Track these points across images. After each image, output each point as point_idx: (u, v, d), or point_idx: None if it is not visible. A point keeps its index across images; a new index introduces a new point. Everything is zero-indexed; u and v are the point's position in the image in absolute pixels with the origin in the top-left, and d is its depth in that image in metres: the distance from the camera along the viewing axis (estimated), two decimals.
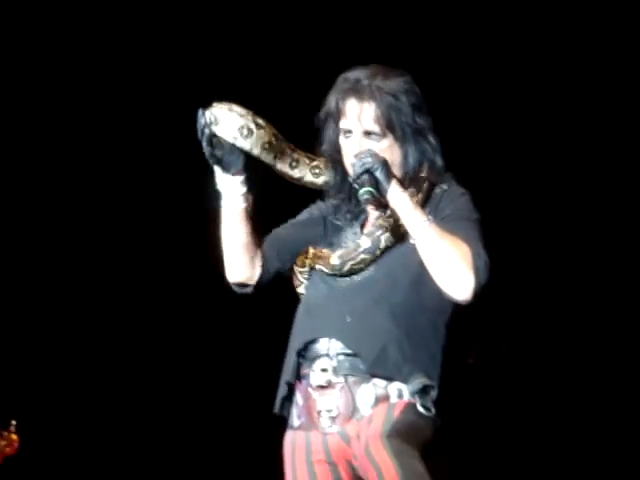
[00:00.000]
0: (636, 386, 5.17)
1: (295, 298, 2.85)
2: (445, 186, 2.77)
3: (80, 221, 5.20)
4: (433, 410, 2.64)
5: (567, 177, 5.17)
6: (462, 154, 3.91)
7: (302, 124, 2.83)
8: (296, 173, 2.84)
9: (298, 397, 2.73)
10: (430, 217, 2.66)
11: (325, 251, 2.78)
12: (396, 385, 2.65)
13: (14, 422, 4.12)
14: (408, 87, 2.75)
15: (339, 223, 2.83)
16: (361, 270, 2.73)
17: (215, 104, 2.74)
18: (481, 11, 4.94)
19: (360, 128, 2.73)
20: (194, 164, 2.84)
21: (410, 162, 2.74)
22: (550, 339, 5.33)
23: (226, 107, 2.73)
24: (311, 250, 2.80)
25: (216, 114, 2.70)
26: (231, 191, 2.75)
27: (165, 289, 5.25)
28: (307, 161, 2.84)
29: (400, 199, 2.67)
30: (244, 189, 2.76)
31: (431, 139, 2.76)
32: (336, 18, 4.93)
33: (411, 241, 2.68)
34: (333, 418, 2.66)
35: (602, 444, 5.18)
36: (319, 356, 2.68)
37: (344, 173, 2.80)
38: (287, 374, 2.75)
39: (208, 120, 2.69)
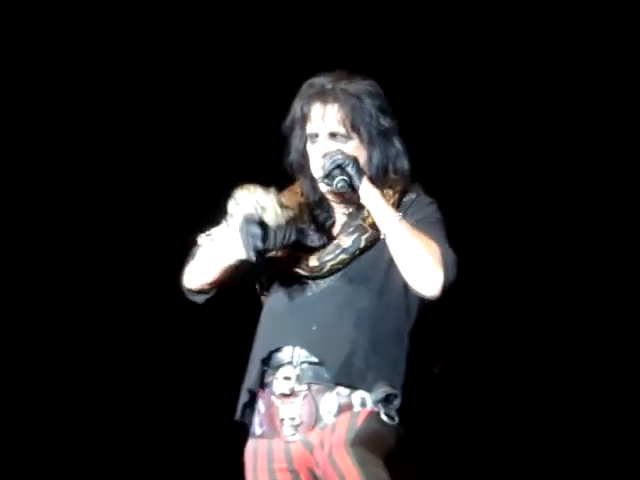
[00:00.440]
0: (606, 392, 5.19)
1: (256, 305, 2.84)
2: (414, 195, 2.78)
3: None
4: (397, 419, 2.63)
5: (533, 191, 5.18)
6: (431, 159, 3.95)
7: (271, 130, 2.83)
8: None
9: (260, 405, 2.72)
10: (401, 214, 2.67)
11: (299, 253, 2.75)
12: (359, 394, 2.64)
13: None
14: (372, 90, 2.77)
15: (303, 227, 2.81)
16: (336, 271, 2.72)
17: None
18: (455, 14, 4.94)
19: (325, 129, 2.74)
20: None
21: (374, 164, 2.75)
22: (515, 348, 5.34)
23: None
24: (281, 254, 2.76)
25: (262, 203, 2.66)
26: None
27: (125, 301, 5.21)
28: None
29: (372, 194, 2.68)
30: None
31: (396, 142, 2.77)
32: (306, 24, 4.92)
33: (381, 236, 2.69)
34: (296, 426, 2.65)
35: (568, 453, 5.19)
36: (282, 364, 2.68)
37: (311, 180, 2.80)
38: (250, 382, 2.73)
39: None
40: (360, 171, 2.69)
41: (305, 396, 2.65)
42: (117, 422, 5.19)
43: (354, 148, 2.74)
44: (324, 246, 2.75)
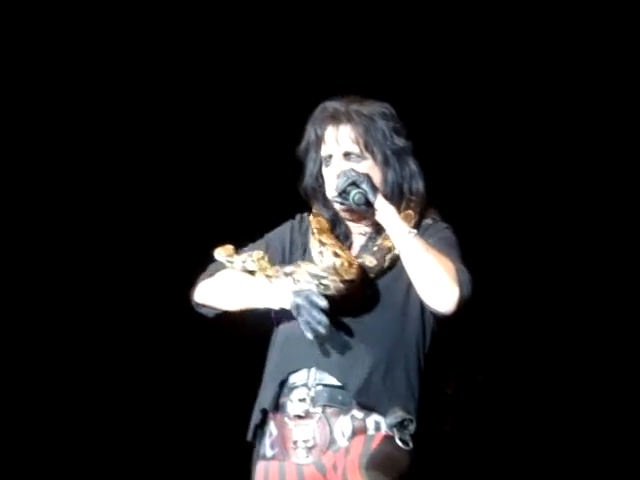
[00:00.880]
0: (612, 410, 5.18)
1: (266, 323, 2.82)
2: (430, 220, 2.79)
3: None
4: (411, 444, 2.62)
5: (545, 215, 5.18)
6: (445, 180, 3.95)
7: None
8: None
9: (272, 427, 2.70)
10: (416, 231, 2.67)
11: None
12: (374, 417, 2.63)
13: None
14: (386, 111, 2.77)
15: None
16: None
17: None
18: (464, 36, 4.94)
19: (339, 150, 2.74)
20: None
21: (389, 184, 2.75)
22: (526, 369, 5.33)
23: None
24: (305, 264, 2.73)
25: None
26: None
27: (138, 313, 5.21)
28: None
29: (387, 210, 2.68)
30: None
31: (411, 163, 2.77)
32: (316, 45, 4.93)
33: (389, 256, 2.68)
34: (309, 449, 2.63)
35: (580, 473, 5.18)
36: (297, 386, 2.66)
37: (326, 204, 2.80)
38: (265, 402, 2.71)
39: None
40: (374, 187, 2.69)
41: (319, 418, 2.63)
42: (123, 444, 5.18)
43: (368, 168, 2.73)
44: None
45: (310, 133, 2.78)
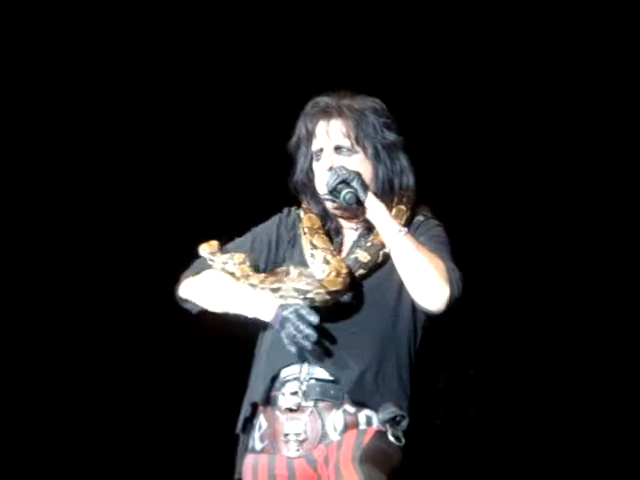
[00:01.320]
0: (611, 409, 5.19)
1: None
2: (422, 217, 2.79)
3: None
4: (403, 440, 2.62)
5: (534, 211, 5.19)
6: (436, 176, 3.94)
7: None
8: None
9: (262, 420, 2.69)
10: (406, 229, 2.67)
11: (309, 271, 2.72)
12: (366, 412, 2.63)
13: None
14: (377, 106, 2.77)
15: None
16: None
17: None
18: (458, 33, 4.95)
19: (330, 143, 2.73)
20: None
21: (380, 179, 2.75)
22: (518, 363, 5.35)
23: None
24: (293, 269, 2.74)
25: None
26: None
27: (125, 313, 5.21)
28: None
29: (377, 208, 2.68)
30: None
31: (402, 158, 2.77)
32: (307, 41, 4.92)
33: (381, 251, 2.68)
34: (301, 442, 2.63)
35: (572, 468, 5.19)
36: (289, 380, 2.66)
37: (316, 199, 2.79)
38: (256, 396, 2.70)
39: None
40: (364, 185, 2.68)
41: (311, 412, 2.63)
42: (117, 439, 5.19)
43: (359, 162, 2.73)
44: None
45: (301, 128, 2.78)
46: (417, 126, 3.26)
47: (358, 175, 2.67)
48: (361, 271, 2.70)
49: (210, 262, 2.78)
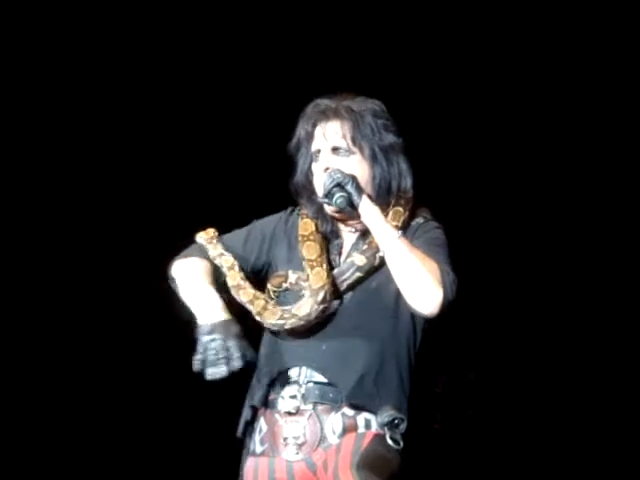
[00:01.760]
0: (612, 412, 5.20)
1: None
2: (421, 219, 2.78)
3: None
4: (402, 443, 2.62)
5: (535, 214, 5.19)
6: (436, 179, 3.94)
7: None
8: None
9: (262, 423, 2.70)
10: (401, 232, 2.66)
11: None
12: (364, 415, 2.63)
13: None
14: (376, 108, 2.77)
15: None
16: (350, 290, 2.71)
17: None
18: (459, 34, 4.95)
19: (327, 144, 2.73)
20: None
21: (377, 180, 2.74)
22: (517, 367, 5.35)
23: None
24: (292, 274, 2.76)
25: None
26: None
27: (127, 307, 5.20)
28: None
29: (371, 211, 2.67)
30: None
31: (401, 161, 2.76)
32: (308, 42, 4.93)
33: (378, 254, 2.68)
34: (299, 445, 2.63)
35: (572, 471, 5.19)
36: (288, 382, 2.66)
37: (315, 202, 2.79)
38: (255, 399, 2.71)
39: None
40: (359, 189, 2.67)
41: (310, 415, 2.63)
42: (118, 442, 5.19)
43: (357, 163, 2.73)
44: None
45: (300, 129, 2.79)
46: (416, 128, 3.25)
47: (353, 178, 2.67)
48: (358, 274, 2.70)
49: (206, 250, 2.80)
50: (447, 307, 2.60)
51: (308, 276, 2.70)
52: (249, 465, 2.71)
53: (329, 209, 2.74)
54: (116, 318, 5.18)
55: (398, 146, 2.76)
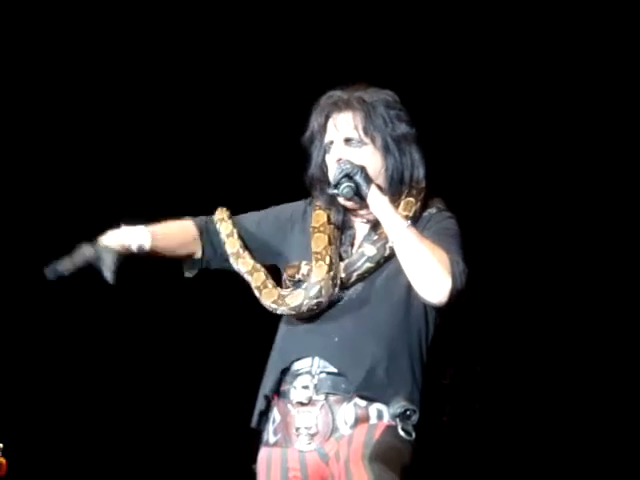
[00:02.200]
0: (617, 406, 5.20)
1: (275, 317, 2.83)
2: (434, 210, 2.79)
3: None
4: (413, 434, 2.63)
5: (538, 210, 5.19)
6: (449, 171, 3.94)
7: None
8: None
9: (275, 414, 2.71)
10: (410, 222, 2.66)
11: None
12: (377, 406, 2.64)
13: (1, 445, 4.06)
14: (389, 98, 2.78)
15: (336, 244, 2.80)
16: (361, 280, 2.72)
17: None
18: (470, 30, 4.95)
19: (339, 135, 2.74)
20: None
21: (390, 171, 2.75)
22: (524, 360, 5.35)
23: None
24: (304, 265, 2.77)
25: None
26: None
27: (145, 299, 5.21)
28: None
29: (380, 202, 2.68)
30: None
31: (414, 151, 2.77)
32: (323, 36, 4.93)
33: (388, 244, 2.68)
34: (312, 436, 2.64)
35: (576, 463, 5.20)
36: (301, 373, 2.67)
37: (325, 192, 2.80)
38: (267, 388, 2.73)
39: None
40: (368, 179, 2.68)
41: (322, 406, 2.64)
42: (140, 427, 5.21)
43: (369, 154, 2.74)
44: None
45: (314, 122, 2.80)
46: (429, 119, 3.26)
47: (362, 169, 2.68)
48: (368, 265, 2.71)
49: (217, 226, 2.86)
50: (456, 296, 2.61)
51: (311, 268, 2.72)
52: (262, 455, 2.72)
53: (340, 199, 2.75)
54: (125, 311, 5.19)
55: (411, 136, 2.77)
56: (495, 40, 4.96)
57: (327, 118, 2.77)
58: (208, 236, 2.86)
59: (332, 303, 2.71)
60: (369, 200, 2.68)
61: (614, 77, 4.97)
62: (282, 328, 2.78)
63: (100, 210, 5.10)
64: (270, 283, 2.77)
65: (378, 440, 2.60)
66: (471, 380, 5.36)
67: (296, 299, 2.69)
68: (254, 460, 2.74)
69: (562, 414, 5.27)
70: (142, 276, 5.11)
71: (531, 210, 5.20)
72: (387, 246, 2.70)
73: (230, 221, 2.86)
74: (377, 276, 2.72)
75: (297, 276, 2.77)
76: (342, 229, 2.82)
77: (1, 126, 4.97)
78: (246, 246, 2.84)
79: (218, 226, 2.86)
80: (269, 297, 2.74)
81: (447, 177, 3.29)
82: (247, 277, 2.80)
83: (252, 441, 2.79)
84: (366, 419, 2.63)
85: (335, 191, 2.69)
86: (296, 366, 2.68)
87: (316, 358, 2.67)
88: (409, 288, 2.66)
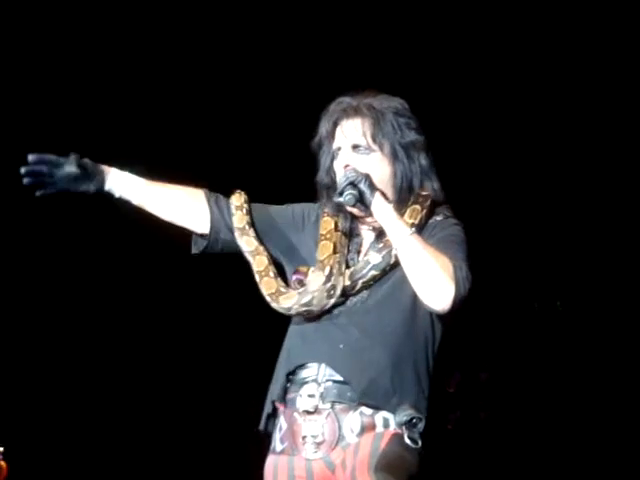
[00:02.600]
0: (615, 408, 5.20)
1: (282, 318, 2.83)
2: (440, 217, 2.78)
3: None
4: (420, 443, 2.63)
5: (545, 219, 5.20)
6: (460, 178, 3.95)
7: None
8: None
9: (282, 421, 2.71)
10: (414, 229, 2.66)
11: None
12: (382, 414, 2.64)
13: (1, 449, 4.06)
14: (399, 106, 2.78)
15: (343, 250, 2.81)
16: (367, 288, 2.72)
17: None
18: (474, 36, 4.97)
19: (347, 142, 2.75)
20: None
21: (398, 178, 2.75)
22: (529, 368, 5.35)
23: None
24: (311, 272, 2.77)
25: None
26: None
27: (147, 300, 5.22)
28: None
29: (384, 209, 2.68)
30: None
31: (422, 159, 2.77)
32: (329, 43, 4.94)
33: (393, 252, 2.68)
34: (318, 444, 2.64)
35: (580, 473, 5.19)
36: (307, 381, 2.67)
37: (332, 199, 2.80)
38: (274, 394, 2.73)
39: None
40: (372, 187, 2.68)
41: (328, 414, 2.64)
42: (144, 428, 5.21)
43: (377, 161, 2.74)
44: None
45: (322, 127, 2.80)
46: (438, 127, 3.27)
47: (366, 177, 2.68)
48: (373, 272, 2.72)
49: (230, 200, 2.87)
50: (460, 303, 2.60)
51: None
52: (269, 463, 2.73)
53: (346, 207, 2.75)
54: (130, 315, 5.20)
55: (419, 144, 2.77)
56: (497, 49, 4.97)
57: (336, 124, 2.77)
58: (217, 203, 2.86)
59: (337, 309, 2.71)
60: (373, 208, 2.68)
61: (612, 82, 4.97)
62: (291, 329, 2.79)
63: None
64: (272, 271, 2.79)
65: (384, 449, 2.60)
66: (476, 389, 5.36)
67: (288, 301, 2.72)
68: (259, 465, 2.75)
69: (568, 424, 5.27)
70: (148, 277, 5.16)
71: (539, 219, 5.21)
72: (393, 254, 2.70)
73: (244, 198, 2.87)
74: (383, 284, 2.72)
75: (304, 281, 2.77)
76: (350, 236, 2.82)
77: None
78: (256, 230, 2.84)
79: (231, 200, 2.86)
80: (268, 287, 2.76)
81: (455, 185, 3.30)
82: (249, 257, 2.81)
83: (258, 444, 2.79)
84: (372, 427, 2.63)
85: (339, 199, 2.69)
86: (303, 374, 2.69)
87: (322, 365, 2.67)
88: (415, 296, 2.66)
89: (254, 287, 2.80)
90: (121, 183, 2.80)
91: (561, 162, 5.20)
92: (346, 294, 2.72)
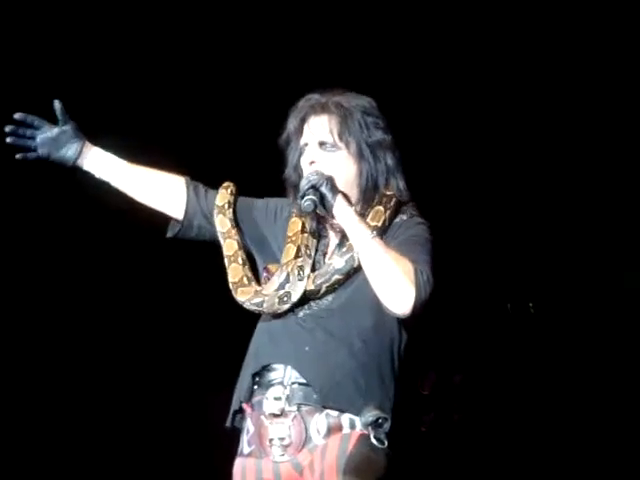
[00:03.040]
0: (591, 415, 5.21)
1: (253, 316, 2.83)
2: (405, 216, 2.79)
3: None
4: (386, 443, 2.63)
5: (515, 217, 5.21)
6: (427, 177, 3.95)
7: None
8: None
9: (249, 424, 2.72)
10: (375, 232, 2.66)
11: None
12: (348, 415, 2.64)
13: None
14: (367, 104, 2.78)
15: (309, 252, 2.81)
16: (332, 292, 2.73)
17: None
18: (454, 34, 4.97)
19: (314, 139, 2.75)
20: None
21: (363, 177, 2.75)
22: (504, 369, 5.36)
23: None
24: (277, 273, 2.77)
25: None
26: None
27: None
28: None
29: (345, 213, 2.68)
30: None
31: (389, 158, 2.77)
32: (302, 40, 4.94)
33: (356, 255, 2.68)
34: (285, 447, 2.65)
35: (554, 472, 5.21)
36: (273, 384, 2.68)
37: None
38: (241, 394, 2.74)
39: None
40: (334, 190, 2.68)
41: (295, 417, 2.65)
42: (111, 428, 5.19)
43: (342, 158, 2.75)
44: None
45: (290, 124, 2.81)
46: (407, 126, 3.27)
47: (329, 179, 2.68)
48: (337, 277, 2.72)
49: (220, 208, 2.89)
50: (421, 307, 2.60)
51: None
52: (237, 466, 2.73)
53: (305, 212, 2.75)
54: (125, 316, 5.19)
55: (386, 143, 2.77)
56: (475, 47, 4.98)
57: (303, 120, 2.78)
58: (196, 190, 2.90)
59: (303, 312, 2.72)
60: (335, 211, 2.68)
61: (610, 86, 4.99)
62: (259, 325, 2.80)
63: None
64: (241, 257, 2.82)
65: (352, 452, 2.60)
66: (450, 391, 5.37)
67: (243, 296, 2.75)
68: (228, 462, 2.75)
69: (540, 424, 5.28)
70: (143, 279, 5.14)
71: (512, 221, 5.21)
72: (356, 257, 2.70)
73: (234, 187, 2.92)
74: (347, 287, 2.72)
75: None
76: (318, 237, 2.82)
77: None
78: (235, 214, 2.87)
79: (222, 185, 2.91)
80: (233, 275, 2.79)
81: (428, 185, 3.29)
82: (220, 238, 2.84)
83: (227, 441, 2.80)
84: (339, 429, 2.63)
85: (298, 202, 2.69)
86: (269, 376, 2.69)
87: (288, 368, 2.67)
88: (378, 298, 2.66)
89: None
90: (102, 163, 2.84)
91: (533, 163, 5.20)
92: (310, 298, 2.72)
